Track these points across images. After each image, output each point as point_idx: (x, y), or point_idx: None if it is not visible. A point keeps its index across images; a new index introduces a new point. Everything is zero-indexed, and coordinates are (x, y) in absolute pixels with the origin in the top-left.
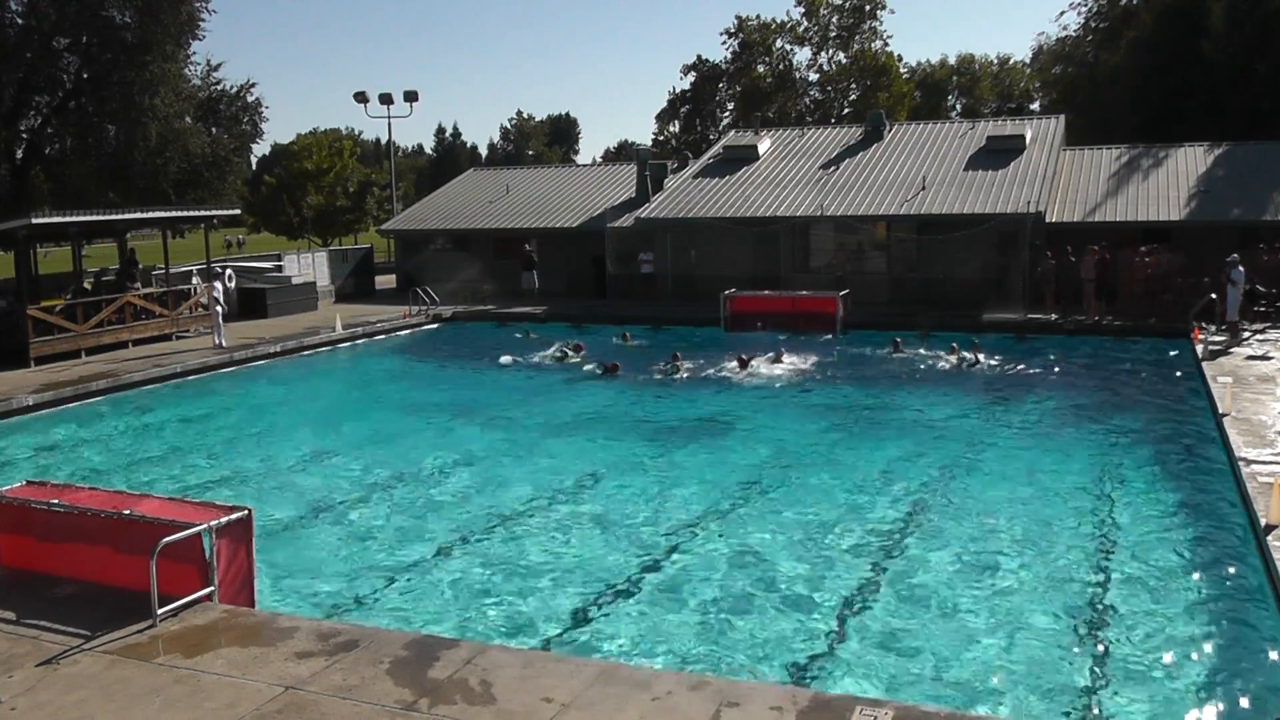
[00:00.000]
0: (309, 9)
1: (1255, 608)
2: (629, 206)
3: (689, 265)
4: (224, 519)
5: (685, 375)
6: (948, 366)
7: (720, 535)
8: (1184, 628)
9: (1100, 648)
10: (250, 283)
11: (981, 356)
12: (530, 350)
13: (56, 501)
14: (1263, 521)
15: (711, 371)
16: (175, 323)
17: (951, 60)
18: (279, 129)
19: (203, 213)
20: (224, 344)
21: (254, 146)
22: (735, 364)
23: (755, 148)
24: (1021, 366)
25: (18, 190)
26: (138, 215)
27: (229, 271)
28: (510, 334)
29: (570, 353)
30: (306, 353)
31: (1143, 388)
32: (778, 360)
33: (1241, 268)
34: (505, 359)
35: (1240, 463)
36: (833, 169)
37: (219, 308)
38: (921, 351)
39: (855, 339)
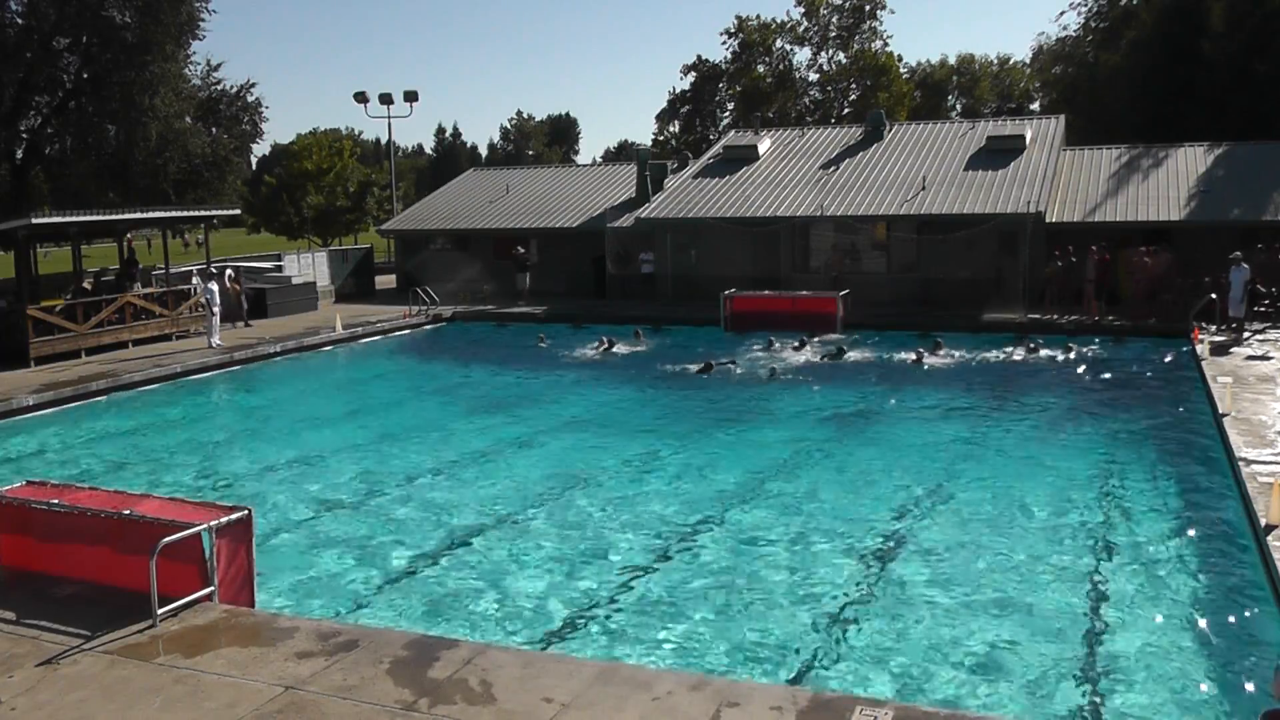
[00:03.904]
0: (309, 9)
1: (1255, 607)
2: (629, 206)
3: (689, 265)
4: (224, 519)
5: (782, 376)
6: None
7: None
8: (1184, 628)
9: (1099, 647)
10: (250, 283)
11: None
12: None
13: (56, 501)
14: (1263, 521)
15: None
16: (175, 323)
17: (951, 60)
18: (279, 129)
19: (203, 213)
20: (220, 343)
21: (254, 146)
22: (797, 344)
23: (755, 148)
24: (1022, 367)
25: (18, 190)
26: (138, 215)
27: (229, 272)
28: (512, 335)
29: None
30: (307, 353)
31: (1143, 388)
32: (802, 347)
33: (1246, 265)
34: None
35: (1240, 463)
36: (833, 169)
37: (215, 308)
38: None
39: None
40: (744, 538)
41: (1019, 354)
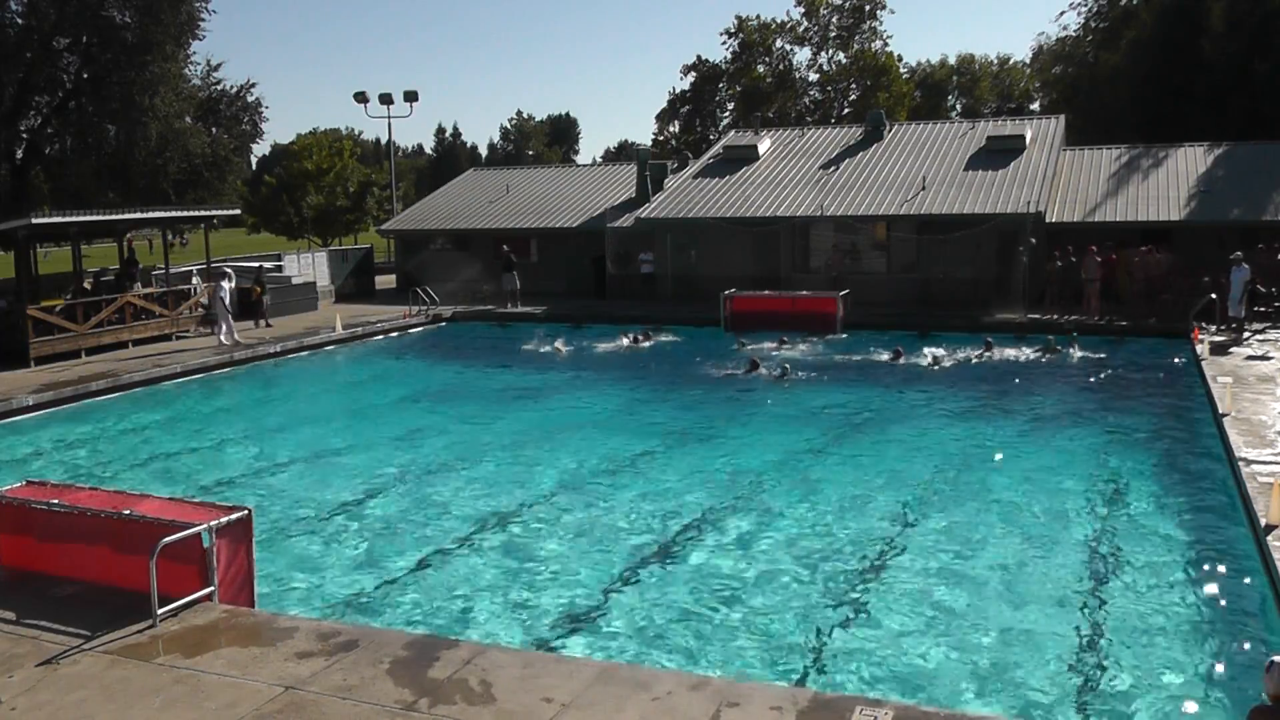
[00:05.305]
0: (309, 9)
1: (1255, 608)
2: (629, 206)
3: (689, 265)
4: (224, 519)
5: (795, 376)
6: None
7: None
8: (1184, 628)
9: (1099, 647)
10: (247, 283)
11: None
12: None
13: (56, 501)
14: (1263, 521)
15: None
16: (175, 323)
17: (951, 60)
18: (279, 129)
19: (203, 213)
20: (238, 339)
21: (254, 146)
22: (775, 344)
23: (755, 148)
24: (1025, 367)
25: (18, 190)
26: (138, 215)
27: (229, 272)
28: (515, 334)
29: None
30: (307, 353)
31: (1143, 388)
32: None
33: (1246, 265)
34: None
35: (1240, 463)
36: (833, 169)
37: (228, 307)
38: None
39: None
40: None
41: (1032, 354)
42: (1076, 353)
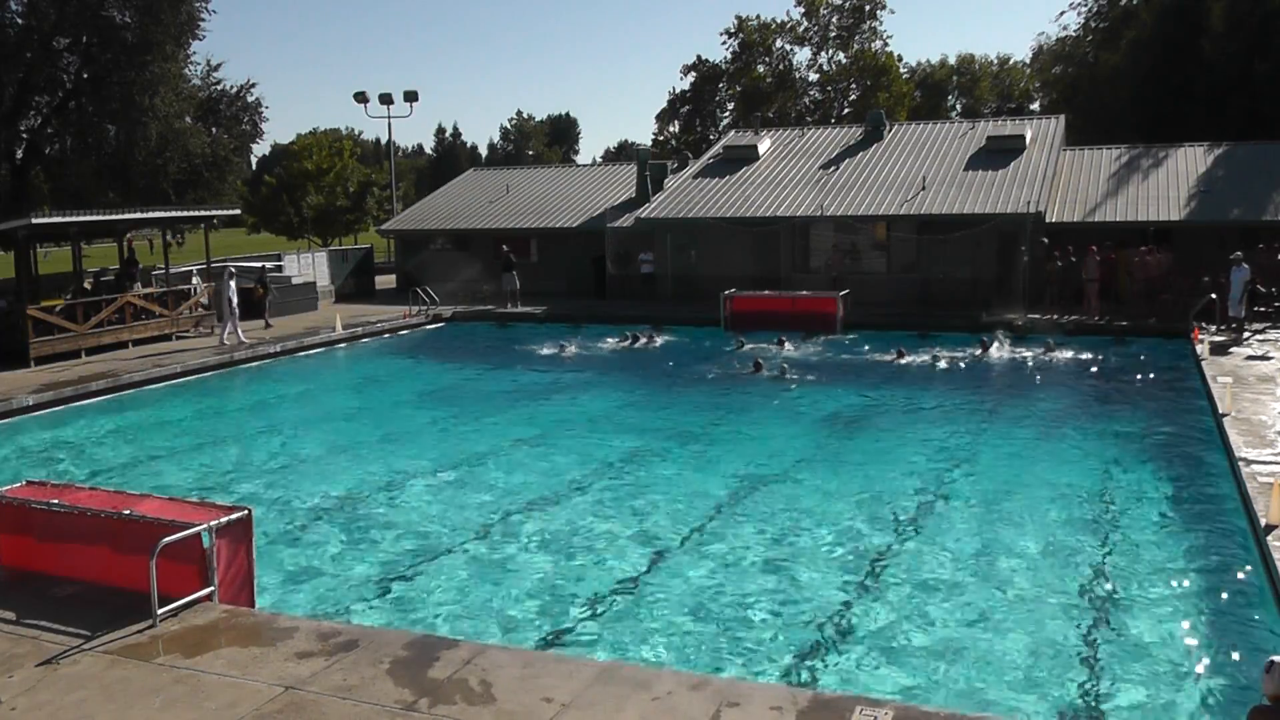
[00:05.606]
0: (309, 9)
1: (1255, 608)
2: (629, 206)
3: (689, 265)
4: (224, 519)
5: (792, 376)
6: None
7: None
8: (1184, 628)
9: (1099, 647)
10: (249, 283)
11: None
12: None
13: (56, 501)
14: (1263, 521)
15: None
16: (175, 323)
17: (951, 60)
18: (279, 129)
19: (203, 213)
20: (245, 340)
21: (254, 146)
22: (775, 345)
23: (755, 148)
24: (1025, 366)
25: (18, 190)
26: (138, 215)
27: (233, 270)
28: (517, 335)
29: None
30: (306, 353)
31: (1142, 388)
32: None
33: (1246, 265)
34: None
35: (1240, 463)
36: (833, 169)
37: (235, 307)
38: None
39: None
40: None
41: (1032, 354)
42: (1066, 353)
